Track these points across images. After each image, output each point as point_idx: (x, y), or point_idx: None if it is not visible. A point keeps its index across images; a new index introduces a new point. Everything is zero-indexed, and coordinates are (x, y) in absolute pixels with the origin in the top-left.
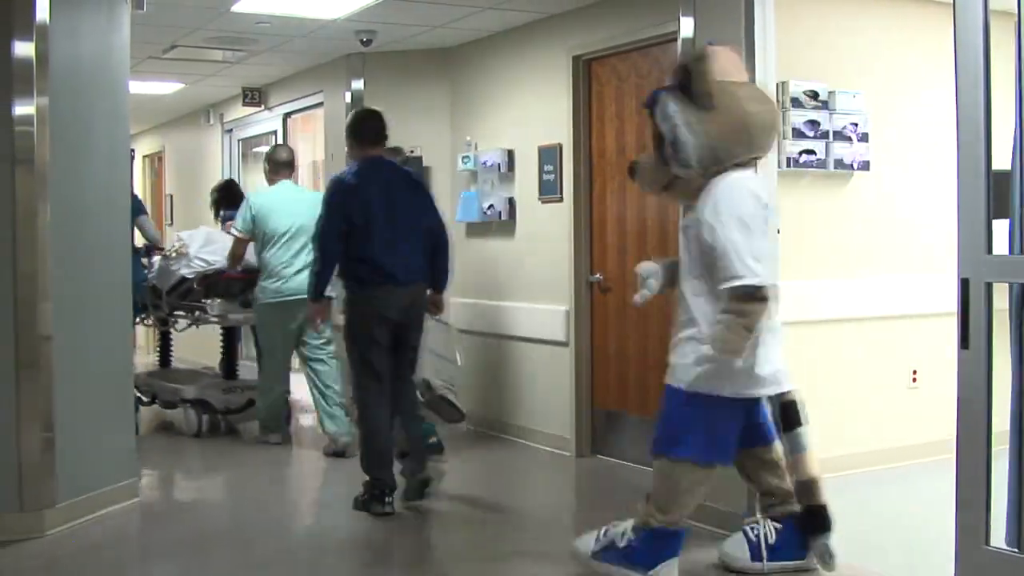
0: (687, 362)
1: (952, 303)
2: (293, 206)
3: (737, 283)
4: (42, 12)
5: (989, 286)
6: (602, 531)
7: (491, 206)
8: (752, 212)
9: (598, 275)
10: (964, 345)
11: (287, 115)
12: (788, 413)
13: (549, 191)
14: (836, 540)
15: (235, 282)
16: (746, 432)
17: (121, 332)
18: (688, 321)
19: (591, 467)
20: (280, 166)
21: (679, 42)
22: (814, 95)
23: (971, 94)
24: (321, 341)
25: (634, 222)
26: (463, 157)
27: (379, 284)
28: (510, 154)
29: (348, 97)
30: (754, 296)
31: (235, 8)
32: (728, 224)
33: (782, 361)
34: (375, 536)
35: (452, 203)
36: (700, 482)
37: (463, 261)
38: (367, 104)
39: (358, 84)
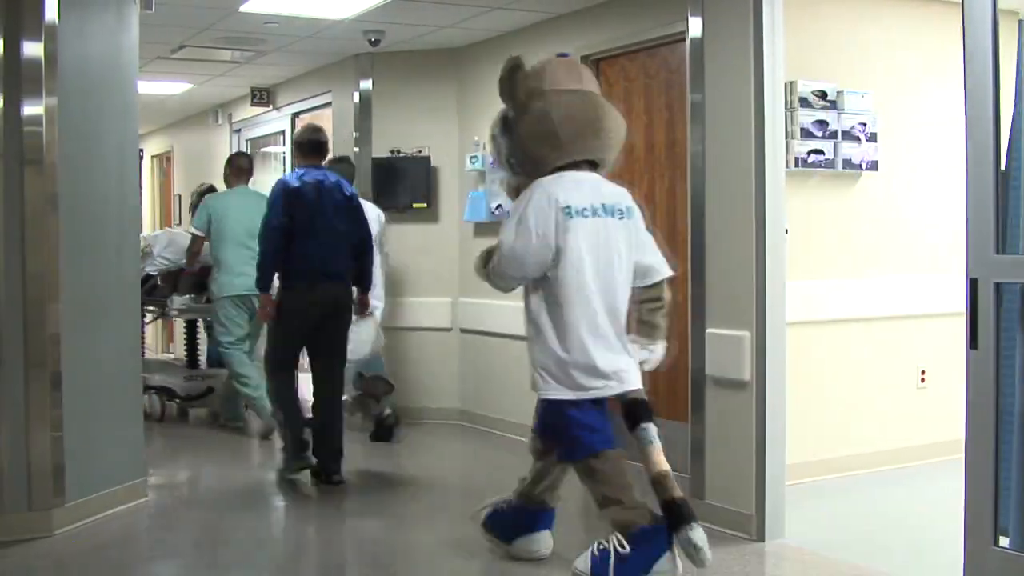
0: (533, 370)
1: (961, 303)
2: (247, 209)
3: (489, 266)
4: (51, 12)
5: (998, 286)
6: (595, 546)
7: (499, 206)
8: (539, 216)
9: None
10: (973, 345)
11: (295, 115)
12: (632, 410)
13: None
14: (701, 533)
15: (190, 277)
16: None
17: (130, 332)
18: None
19: None
20: (240, 172)
21: (687, 42)
22: (823, 95)
23: (980, 93)
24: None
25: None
26: (471, 157)
27: (310, 279)
28: None
29: (356, 97)
30: (489, 281)
31: (243, 8)
32: (510, 222)
33: (620, 362)
34: (385, 533)
35: (460, 203)
36: (617, 466)
37: (471, 261)
38: (376, 104)
39: (366, 84)
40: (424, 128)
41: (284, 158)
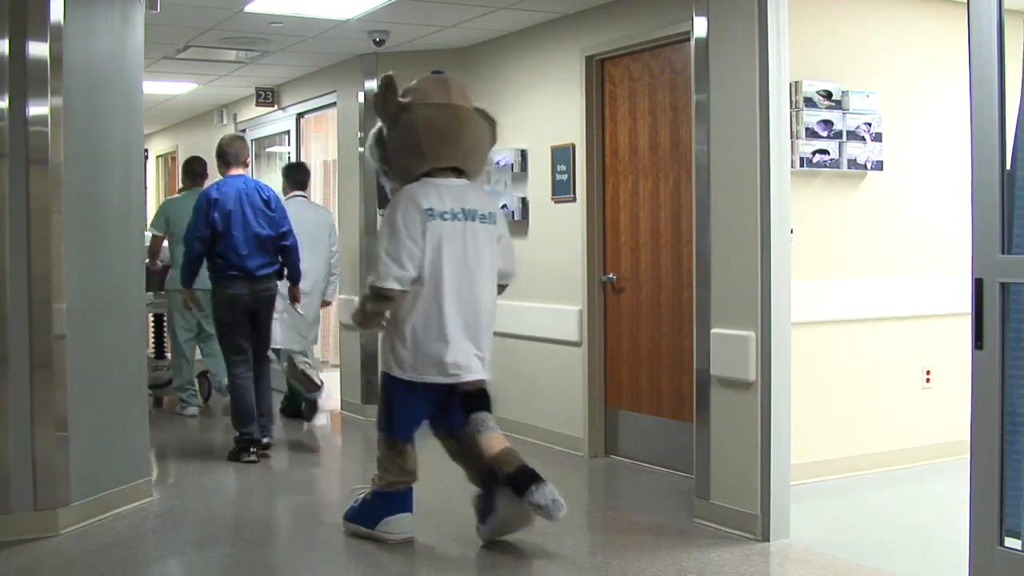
0: (382, 348)
1: (966, 303)
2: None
3: (369, 279)
4: (56, 13)
5: (1004, 286)
6: (358, 496)
7: (504, 206)
8: (405, 219)
9: (611, 275)
10: (978, 345)
11: (300, 115)
12: (469, 400)
13: (562, 191)
14: (545, 491)
15: (155, 275)
16: (438, 420)
17: (135, 332)
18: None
19: (605, 467)
20: (196, 176)
21: (692, 42)
22: (828, 95)
23: (985, 93)
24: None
25: (647, 222)
26: None
27: (235, 277)
28: (523, 154)
29: (361, 97)
30: (379, 291)
31: (248, 8)
32: (381, 230)
33: (462, 354)
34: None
35: None
36: (398, 453)
37: None
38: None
39: (371, 84)
40: None
41: (288, 158)
